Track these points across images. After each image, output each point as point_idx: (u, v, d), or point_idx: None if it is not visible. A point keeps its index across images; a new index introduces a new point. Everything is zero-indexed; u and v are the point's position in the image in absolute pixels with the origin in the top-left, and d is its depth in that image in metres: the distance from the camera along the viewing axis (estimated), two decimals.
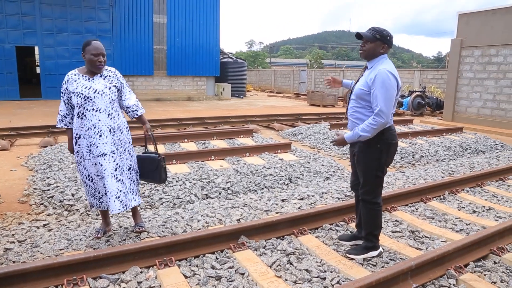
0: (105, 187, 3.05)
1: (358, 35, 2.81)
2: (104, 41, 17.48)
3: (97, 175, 3.07)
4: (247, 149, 6.26)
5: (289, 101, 21.05)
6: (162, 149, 6.82)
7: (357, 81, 2.88)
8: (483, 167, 6.26)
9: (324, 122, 10.52)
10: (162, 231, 3.44)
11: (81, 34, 17.21)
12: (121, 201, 3.07)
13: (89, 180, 3.13)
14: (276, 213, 3.91)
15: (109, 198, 3.03)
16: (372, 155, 2.80)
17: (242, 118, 11.19)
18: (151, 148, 3.57)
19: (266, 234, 3.24)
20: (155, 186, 4.70)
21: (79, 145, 3.06)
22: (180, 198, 4.54)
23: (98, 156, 3.01)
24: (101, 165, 3.01)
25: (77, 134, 3.04)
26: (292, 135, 8.91)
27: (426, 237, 3.43)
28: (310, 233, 3.42)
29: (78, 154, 3.09)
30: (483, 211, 4.20)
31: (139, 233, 3.36)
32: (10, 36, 16.04)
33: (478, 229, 3.61)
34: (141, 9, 18.36)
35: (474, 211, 4.17)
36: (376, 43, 2.73)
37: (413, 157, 6.97)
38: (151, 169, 3.36)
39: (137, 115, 3.32)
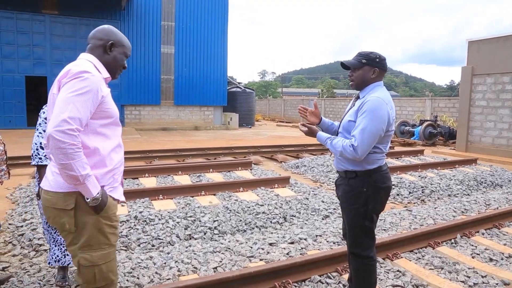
0: None
1: (343, 65, 2.43)
2: None
3: None
4: (241, 184, 5.83)
5: (297, 131, 20.68)
6: (153, 182, 6.45)
7: (346, 113, 2.46)
8: (501, 204, 5.69)
9: (329, 153, 10.06)
10: (127, 279, 3.01)
11: None
12: None
13: None
14: (261, 260, 3.43)
15: None
16: (356, 201, 2.33)
17: (245, 149, 10.82)
18: None
19: None
20: (134, 225, 4.30)
21: None
22: (159, 239, 4.10)
23: None
24: None
25: None
26: (295, 167, 8.47)
27: None
28: (295, 287, 2.93)
29: None
30: (502, 259, 3.65)
31: None
32: (21, 66, 16.27)
33: (497, 284, 3.07)
34: (150, 40, 18.56)
35: (491, 259, 3.62)
36: (364, 68, 2.34)
37: (422, 192, 6.43)
38: None
39: None
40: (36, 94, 18.36)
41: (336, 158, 2.46)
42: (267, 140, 15.04)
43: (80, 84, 1.67)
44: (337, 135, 2.45)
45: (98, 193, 1.73)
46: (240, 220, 4.68)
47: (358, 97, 2.41)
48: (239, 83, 25.66)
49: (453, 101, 17.91)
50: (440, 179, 7.15)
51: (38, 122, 2.82)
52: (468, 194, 6.69)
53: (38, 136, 2.80)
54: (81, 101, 1.65)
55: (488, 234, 4.33)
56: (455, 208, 5.32)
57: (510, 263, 3.57)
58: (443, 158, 9.97)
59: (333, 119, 25.70)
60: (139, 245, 3.97)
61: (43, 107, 2.80)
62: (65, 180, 1.70)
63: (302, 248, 3.69)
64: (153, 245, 3.99)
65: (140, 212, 4.57)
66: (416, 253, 3.71)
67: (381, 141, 2.30)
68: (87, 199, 1.72)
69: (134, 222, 4.35)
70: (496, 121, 11.64)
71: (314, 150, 11.05)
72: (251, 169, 7.61)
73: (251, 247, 3.71)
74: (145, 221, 4.40)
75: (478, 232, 4.34)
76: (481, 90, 12.02)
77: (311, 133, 2.46)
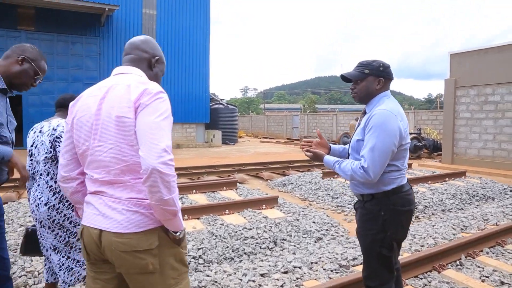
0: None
1: (344, 78, 2.19)
2: None
3: None
4: (226, 206, 5.44)
5: (282, 147, 20.43)
6: None
7: (354, 131, 2.20)
8: (499, 219, 5.46)
9: (316, 170, 9.79)
10: None
11: (67, 82, 16.85)
12: None
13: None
14: None
15: None
16: (373, 226, 2.07)
17: (230, 167, 10.46)
18: None
19: None
20: None
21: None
22: None
23: None
24: None
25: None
26: (282, 185, 8.13)
27: None
28: None
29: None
30: None
31: None
32: None
33: None
34: None
35: (502, 283, 3.32)
36: (368, 79, 2.11)
37: (416, 208, 6.16)
38: None
39: None
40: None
41: (351, 182, 2.19)
42: (252, 157, 14.70)
43: (163, 106, 1.47)
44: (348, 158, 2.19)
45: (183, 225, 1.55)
46: (227, 247, 4.28)
47: (365, 112, 2.16)
48: (221, 99, 25.37)
49: (435, 113, 18.04)
50: (433, 194, 6.92)
51: (35, 143, 2.56)
52: (462, 209, 6.48)
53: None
54: (168, 126, 1.47)
55: (493, 253, 4.05)
56: (453, 225, 5.05)
57: None
58: (431, 172, 9.80)
59: (315, 135, 25.70)
60: None
61: (35, 126, 2.66)
62: (158, 216, 1.45)
63: (297, 279, 3.32)
64: None
65: None
66: (421, 278, 3.39)
67: (397, 157, 2.04)
68: (176, 233, 1.52)
69: None
70: (480, 132, 11.63)
71: (300, 166, 10.76)
72: (236, 189, 7.22)
73: (241, 280, 3.32)
74: None
75: (482, 251, 4.06)
76: (464, 102, 12.03)
77: (316, 158, 2.23)
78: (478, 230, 4.92)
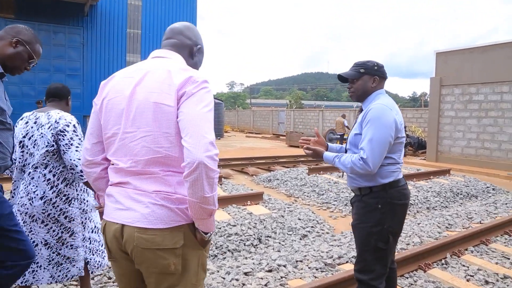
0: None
1: (341, 78, 2.24)
2: (74, 80, 16.76)
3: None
4: None
5: (268, 142, 20.37)
6: None
7: (352, 127, 2.27)
8: (482, 217, 5.49)
9: (302, 166, 9.74)
10: None
11: (49, 73, 16.38)
12: None
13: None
14: None
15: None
16: (370, 219, 2.12)
17: None
18: None
19: None
20: None
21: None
22: None
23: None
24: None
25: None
26: (267, 180, 8.04)
27: None
28: None
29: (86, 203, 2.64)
30: (497, 280, 3.35)
31: None
32: None
33: None
34: (115, 49, 17.75)
35: (486, 282, 3.31)
36: (363, 78, 2.21)
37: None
38: None
39: None
40: None
41: (348, 176, 2.27)
42: (237, 152, 14.58)
43: (208, 97, 1.38)
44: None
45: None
46: (210, 243, 4.16)
47: (361, 110, 2.24)
48: None
49: (420, 111, 18.20)
50: (418, 191, 6.94)
51: (30, 134, 2.48)
52: (447, 207, 6.51)
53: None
54: (212, 119, 1.37)
55: (477, 252, 4.05)
56: (438, 223, 5.05)
57: (507, 285, 3.28)
58: (416, 169, 9.86)
59: (303, 129, 25.70)
60: (92, 279, 3.39)
61: (27, 116, 2.55)
62: (193, 214, 1.34)
63: (282, 278, 3.23)
64: (109, 278, 3.42)
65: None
66: (407, 277, 3.35)
67: (393, 150, 2.12)
68: (206, 234, 1.40)
69: None
70: (464, 131, 11.76)
71: (286, 162, 10.69)
72: (221, 184, 7.11)
73: (224, 278, 3.22)
74: None
75: (467, 250, 4.06)
76: (449, 101, 12.14)
77: (316, 155, 2.26)
78: (463, 228, 4.93)
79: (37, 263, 2.48)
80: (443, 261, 3.73)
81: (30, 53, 2.02)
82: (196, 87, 1.36)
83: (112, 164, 1.47)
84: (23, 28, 2.06)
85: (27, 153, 2.46)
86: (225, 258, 4.00)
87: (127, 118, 1.39)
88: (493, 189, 7.92)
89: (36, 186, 2.39)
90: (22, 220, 2.42)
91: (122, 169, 1.41)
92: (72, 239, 2.52)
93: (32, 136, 2.45)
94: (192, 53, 1.61)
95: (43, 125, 2.44)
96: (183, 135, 1.30)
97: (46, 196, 2.39)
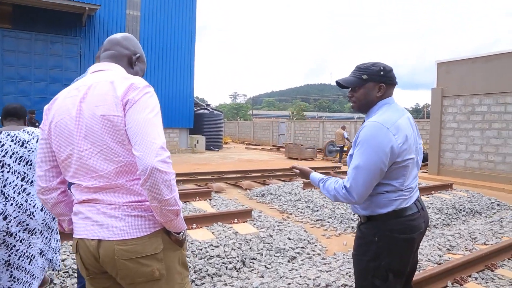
0: None
1: (339, 84, 1.87)
2: None
3: None
4: (194, 219, 4.96)
5: (267, 154, 20.01)
6: None
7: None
8: (487, 237, 5.09)
9: (298, 180, 9.37)
10: None
11: (46, 83, 16.17)
12: None
13: None
14: None
15: None
16: (366, 252, 1.81)
17: (208, 174, 9.97)
18: None
19: None
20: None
21: None
22: None
23: None
24: None
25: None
26: (261, 195, 7.68)
27: None
28: None
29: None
30: None
31: None
32: None
33: None
34: None
35: None
36: (367, 85, 1.82)
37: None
38: None
39: None
40: None
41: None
42: (234, 164, 14.24)
43: (152, 101, 1.40)
44: None
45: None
46: (189, 267, 3.80)
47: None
48: (207, 105, 24.86)
49: (422, 123, 17.86)
50: None
51: (11, 153, 2.44)
52: (449, 224, 6.11)
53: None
54: (160, 122, 1.40)
55: (482, 279, 3.66)
56: (439, 244, 4.66)
57: None
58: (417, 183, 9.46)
59: (303, 141, 25.35)
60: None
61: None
62: (160, 218, 1.37)
63: None
64: None
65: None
66: None
67: (393, 176, 1.75)
68: (179, 233, 1.45)
69: None
70: (467, 143, 11.38)
71: (282, 175, 10.33)
72: (210, 199, 6.76)
73: None
74: None
75: (470, 276, 3.67)
76: (451, 112, 11.80)
77: (303, 174, 2.12)
78: (466, 250, 4.54)
79: (33, 275, 2.48)
80: None
81: None
82: (138, 93, 1.37)
83: (73, 184, 1.46)
84: None
85: (8, 172, 2.41)
86: (203, 283, 3.63)
87: (79, 137, 1.39)
88: (498, 205, 7.52)
89: (34, 200, 2.45)
90: (19, 239, 2.39)
91: (86, 187, 1.39)
92: (56, 240, 2.69)
93: (15, 153, 2.42)
94: (131, 62, 1.61)
95: (28, 141, 2.45)
96: (133, 144, 1.31)
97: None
